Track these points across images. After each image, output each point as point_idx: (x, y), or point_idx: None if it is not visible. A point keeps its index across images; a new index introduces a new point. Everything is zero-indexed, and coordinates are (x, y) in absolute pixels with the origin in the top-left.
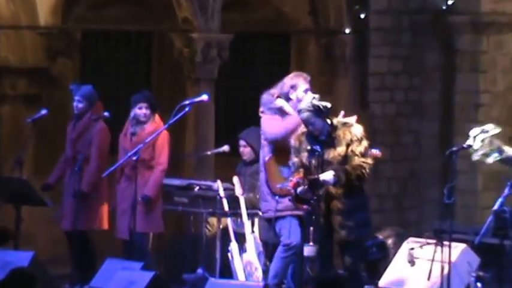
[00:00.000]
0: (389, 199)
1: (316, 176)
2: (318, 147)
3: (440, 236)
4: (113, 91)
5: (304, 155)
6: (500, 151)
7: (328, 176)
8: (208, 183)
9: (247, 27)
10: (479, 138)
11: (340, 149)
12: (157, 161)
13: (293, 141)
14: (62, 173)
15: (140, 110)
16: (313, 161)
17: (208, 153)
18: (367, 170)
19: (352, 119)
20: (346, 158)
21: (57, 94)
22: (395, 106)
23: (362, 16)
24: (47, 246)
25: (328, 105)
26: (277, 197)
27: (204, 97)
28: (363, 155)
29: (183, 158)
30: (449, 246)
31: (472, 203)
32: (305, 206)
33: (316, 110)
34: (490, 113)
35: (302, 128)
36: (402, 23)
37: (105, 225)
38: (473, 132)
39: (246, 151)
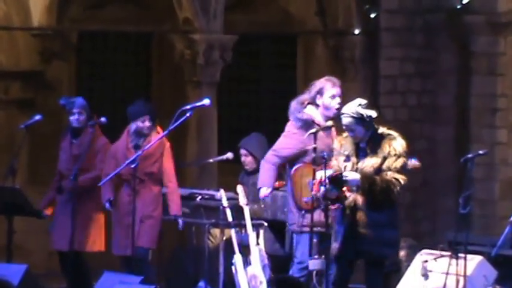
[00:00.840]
0: (401, 209)
1: (337, 173)
2: (325, 154)
3: (456, 247)
4: (110, 95)
5: (341, 158)
6: None
7: (352, 175)
8: (211, 192)
9: (251, 28)
10: None
11: (374, 161)
12: (170, 179)
13: (336, 144)
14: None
15: (143, 124)
16: (348, 166)
17: (211, 160)
18: (398, 188)
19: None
20: (379, 171)
21: (52, 99)
22: (407, 110)
23: (372, 16)
24: (41, 259)
25: (374, 114)
26: (303, 212)
27: (206, 101)
28: (398, 171)
29: (185, 166)
30: (465, 259)
31: (489, 212)
32: (337, 205)
33: (360, 118)
34: (508, 118)
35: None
36: (415, 23)
37: (102, 247)
38: None
39: (247, 160)
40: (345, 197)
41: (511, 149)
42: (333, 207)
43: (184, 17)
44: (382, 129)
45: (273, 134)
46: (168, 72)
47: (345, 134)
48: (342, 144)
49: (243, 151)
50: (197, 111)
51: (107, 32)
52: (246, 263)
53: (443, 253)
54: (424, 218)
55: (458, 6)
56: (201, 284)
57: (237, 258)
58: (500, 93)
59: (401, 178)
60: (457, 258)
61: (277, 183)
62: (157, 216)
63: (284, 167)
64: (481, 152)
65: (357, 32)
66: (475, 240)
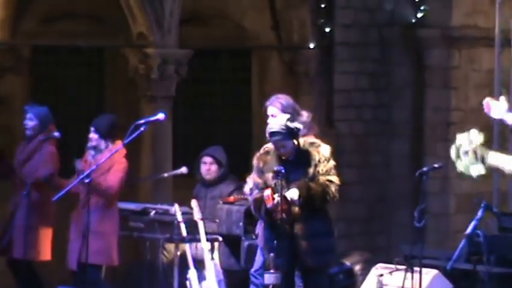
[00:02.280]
0: (357, 223)
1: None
2: (282, 169)
3: (411, 261)
4: (64, 110)
5: (269, 175)
6: (484, 162)
7: (293, 193)
8: (165, 207)
9: (206, 42)
10: (463, 149)
11: (309, 170)
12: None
13: (256, 162)
14: None
15: (90, 134)
16: (278, 182)
17: (165, 175)
18: (333, 189)
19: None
20: (313, 179)
21: (4, 114)
22: (362, 125)
23: (327, 30)
24: None
25: (300, 126)
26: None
27: (161, 116)
28: (329, 174)
29: (139, 181)
30: (420, 273)
31: (444, 226)
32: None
33: (290, 132)
34: (462, 132)
35: (264, 148)
36: (369, 37)
37: (48, 256)
38: (459, 140)
39: (212, 168)
40: (291, 210)
41: None
42: (272, 219)
43: (138, 32)
44: (302, 139)
45: (229, 148)
46: (121, 86)
47: (265, 151)
48: (266, 161)
49: (208, 159)
50: (152, 125)
51: (59, 47)
52: (201, 278)
53: (399, 267)
54: (380, 232)
55: (413, 20)
56: None
57: (192, 274)
58: (454, 107)
59: (335, 179)
60: (413, 272)
61: (232, 197)
62: (108, 231)
63: None
64: (436, 165)
65: (311, 46)
66: (430, 254)
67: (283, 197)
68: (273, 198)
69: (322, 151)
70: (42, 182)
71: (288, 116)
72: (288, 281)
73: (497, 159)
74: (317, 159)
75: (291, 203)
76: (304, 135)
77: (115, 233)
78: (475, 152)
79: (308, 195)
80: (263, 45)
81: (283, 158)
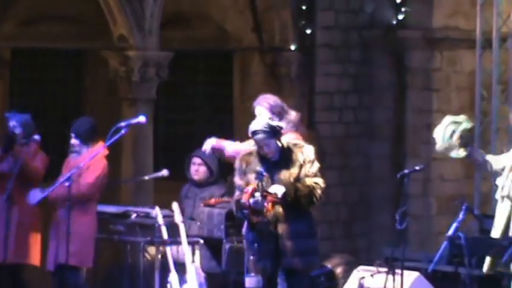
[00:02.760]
0: (338, 225)
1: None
2: (263, 170)
3: (392, 263)
4: (44, 113)
5: (252, 176)
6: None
7: (278, 188)
8: (146, 210)
9: (187, 44)
10: (449, 130)
11: (293, 171)
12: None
13: (238, 163)
14: None
15: (71, 139)
16: (261, 183)
17: (146, 178)
18: (319, 191)
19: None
20: (298, 180)
21: None
22: (344, 127)
23: (308, 32)
24: None
25: (283, 125)
26: None
27: (142, 119)
28: (316, 175)
29: (119, 183)
30: (402, 275)
31: (426, 228)
32: (260, 218)
33: (272, 131)
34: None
35: (247, 149)
36: (351, 39)
37: (37, 261)
38: (445, 120)
39: (200, 170)
40: (268, 213)
41: (447, 164)
42: (255, 219)
43: (119, 34)
44: (285, 140)
45: None
46: (102, 89)
47: (248, 152)
48: (249, 162)
49: (197, 160)
50: (132, 128)
51: (39, 49)
52: (182, 281)
53: (380, 269)
54: (361, 234)
55: (394, 22)
56: None
57: (173, 277)
58: (436, 109)
59: (321, 181)
60: (394, 274)
61: (213, 200)
62: (85, 233)
63: None
64: (417, 167)
65: (293, 48)
66: (411, 256)
67: (265, 196)
68: (253, 196)
69: (306, 152)
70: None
71: (265, 117)
72: (271, 283)
73: (486, 154)
74: (302, 160)
75: (274, 200)
76: (291, 132)
77: (92, 236)
78: (461, 136)
79: (295, 196)
80: (244, 47)
81: (267, 158)
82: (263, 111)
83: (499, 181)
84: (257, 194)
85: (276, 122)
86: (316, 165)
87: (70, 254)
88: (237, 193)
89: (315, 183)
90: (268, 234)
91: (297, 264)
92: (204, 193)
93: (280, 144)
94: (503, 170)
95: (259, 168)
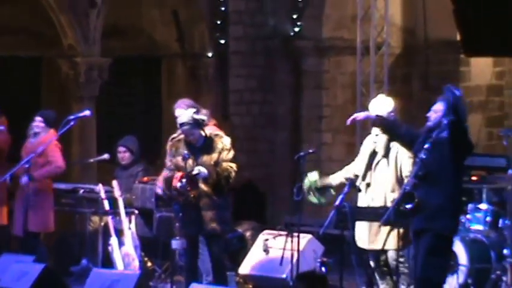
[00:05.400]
0: (248, 197)
1: (193, 171)
2: (186, 153)
3: (290, 228)
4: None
5: (179, 159)
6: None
7: (202, 169)
8: (91, 186)
9: (124, 52)
10: (306, 186)
11: (213, 155)
12: (52, 160)
13: (169, 148)
14: None
15: (34, 123)
16: (187, 164)
17: (91, 160)
18: (233, 174)
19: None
20: (216, 164)
21: None
22: (251, 118)
23: (222, 42)
24: None
25: (205, 117)
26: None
27: (87, 113)
28: (231, 161)
29: (70, 164)
30: (298, 237)
31: None
32: (183, 198)
33: (196, 123)
34: (331, 124)
35: (178, 136)
36: (256, 47)
37: (4, 221)
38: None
39: (125, 156)
40: (190, 195)
41: (334, 148)
42: (180, 198)
43: (69, 44)
44: (208, 131)
45: (143, 138)
46: (55, 89)
47: (178, 139)
48: (178, 147)
49: (122, 148)
50: (80, 120)
51: (2, 57)
52: (121, 244)
53: (281, 233)
54: (266, 205)
55: (292, 34)
56: (84, 261)
57: (113, 240)
58: (325, 104)
59: (234, 166)
60: (292, 236)
61: (145, 178)
62: (43, 205)
63: None
64: (310, 150)
65: (210, 55)
66: (306, 222)
67: (190, 178)
68: (181, 181)
69: (224, 141)
70: None
71: (194, 109)
72: (194, 245)
73: (327, 179)
74: (220, 147)
75: (196, 180)
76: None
77: (51, 207)
78: (310, 190)
79: (216, 177)
80: (170, 54)
81: (192, 144)
82: (181, 112)
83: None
84: (184, 180)
85: (199, 116)
86: (232, 152)
87: (33, 222)
88: (165, 172)
89: (230, 166)
90: (191, 207)
91: (215, 229)
92: (127, 173)
93: (204, 134)
94: (356, 175)
95: (185, 151)
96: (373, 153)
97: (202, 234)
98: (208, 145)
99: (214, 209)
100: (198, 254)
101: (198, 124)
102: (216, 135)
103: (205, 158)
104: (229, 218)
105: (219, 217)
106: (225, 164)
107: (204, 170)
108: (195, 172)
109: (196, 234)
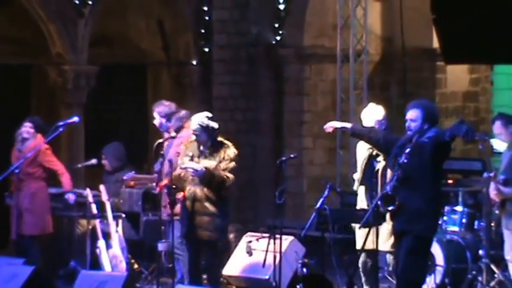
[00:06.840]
0: (231, 201)
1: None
2: (191, 154)
3: (273, 230)
4: None
5: (186, 158)
6: None
7: (196, 166)
8: (80, 191)
9: (111, 60)
10: None
11: (212, 162)
12: (54, 169)
13: (182, 147)
14: None
15: (24, 128)
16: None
17: (79, 165)
18: (228, 183)
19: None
20: (215, 169)
21: None
22: (235, 124)
23: (206, 50)
24: None
25: (216, 126)
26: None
27: (75, 119)
28: (229, 171)
29: None
30: (280, 239)
31: (299, 202)
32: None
33: (204, 127)
34: (312, 129)
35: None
36: (240, 55)
37: None
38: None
39: (105, 163)
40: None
41: (315, 152)
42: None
43: (57, 52)
44: (221, 139)
45: (130, 144)
46: (44, 95)
47: (191, 139)
48: (188, 147)
49: (103, 156)
50: (68, 126)
51: None
52: (108, 246)
53: (264, 235)
54: (249, 207)
55: (274, 42)
56: (72, 263)
57: (101, 243)
58: (306, 110)
59: (231, 177)
60: (275, 238)
61: (132, 182)
62: (38, 208)
63: None
64: (292, 155)
65: (194, 63)
66: (288, 224)
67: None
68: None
69: (228, 152)
70: None
71: (210, 114)
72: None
73: None
74: (222, 156)
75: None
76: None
77: (47, 209)
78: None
79: (210, 180)
80: (156, 62)
81: (200, 147)
82: (156, 114)
83: (355, 175)
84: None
85: (210, 122)
86: (233, 164)
87: (29, 225)
88: (178, 169)
89: (227, 176)
90: (191, 211)
91: (210, 237)
92: (114, 178)
93: (211, 140)
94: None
95: (190, 153)
96: (370, 157)
97: (198, 239)
98: (213, 151)
99: (208, 216)
100: (200, 259)
101: (207, 129)
102: (224, 144)
103: (206, 163)
104: (225, 226)
105: (215, 225)
106: (222, 173)
107: (197, 167)
108: (186, 165)
109: (197, 239)
